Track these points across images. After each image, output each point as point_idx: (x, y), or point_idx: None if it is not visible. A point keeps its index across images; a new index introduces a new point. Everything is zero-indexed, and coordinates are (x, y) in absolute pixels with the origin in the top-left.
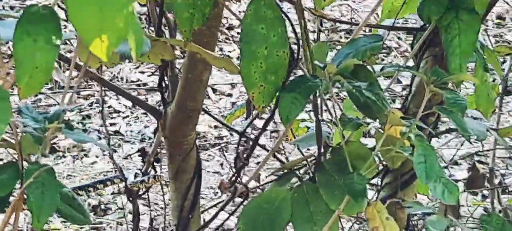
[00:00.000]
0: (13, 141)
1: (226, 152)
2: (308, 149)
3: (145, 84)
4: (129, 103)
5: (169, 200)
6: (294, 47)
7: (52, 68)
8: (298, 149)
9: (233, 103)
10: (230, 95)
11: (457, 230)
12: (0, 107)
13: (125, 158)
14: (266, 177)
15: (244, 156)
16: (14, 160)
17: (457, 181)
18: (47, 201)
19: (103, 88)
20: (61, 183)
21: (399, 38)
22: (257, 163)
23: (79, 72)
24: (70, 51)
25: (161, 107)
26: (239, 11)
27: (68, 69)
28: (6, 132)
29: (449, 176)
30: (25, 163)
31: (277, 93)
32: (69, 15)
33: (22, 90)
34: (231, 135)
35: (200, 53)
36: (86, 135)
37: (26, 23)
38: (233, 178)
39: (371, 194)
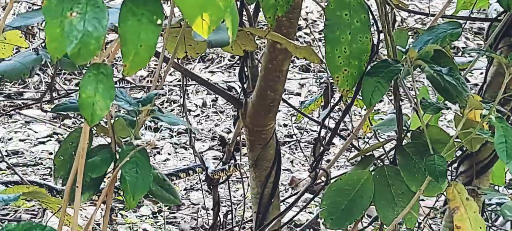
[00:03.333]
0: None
1: (296, 149)
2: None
3: (215, 84)
4: (200, 102)
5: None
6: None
7: (155, 46)
8: (375, 134)
9: (302, 102)
10: (299, 94)
11: None
12: (105, 85)
13: (196, 155)
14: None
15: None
16: (106, 143)
17: None
18: (141, 180)
19: (184, 81)
20: (152, 165)
21: (467, 38)
22: (327, 160)
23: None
24: None
25: (242, 97)
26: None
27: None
28: None
29: None
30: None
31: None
32: None
33: (127, 67)
34: (301, 133)
35: (282, 42)
36: (177, 117)
37: (130, 4)
38: (314, 164)
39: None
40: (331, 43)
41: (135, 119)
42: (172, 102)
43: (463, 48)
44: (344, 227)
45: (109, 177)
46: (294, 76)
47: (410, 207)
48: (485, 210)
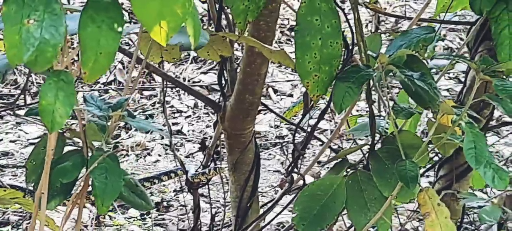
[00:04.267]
0: (78, 130)
1: (287, 151)
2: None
3: (207, 86)
4: (191, 103)
5: (229, 192)
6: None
7: (115, 53)
8: (353, 138)
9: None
10: (291, 95)
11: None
12: (66, 92)
13: (187, 157)
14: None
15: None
16: (78, 148)
17: None
18: (110, 186)
19: (165, 83)
20: (124, 170)
21: (461, 39)
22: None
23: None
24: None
25: (221, 101)
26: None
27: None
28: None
29: None
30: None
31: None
32: (132, 3)
33: (87, 74)
34: (292, 134)
35: (256, 46)
36: (147, 122)
37: (91, 11)
38: (290, 169)
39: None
40: (301, 48)
41: (106, 123)
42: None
43: (457, 48)
44: None
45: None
46: (287, 77)
47: (382, 212)
48: (468, 213)
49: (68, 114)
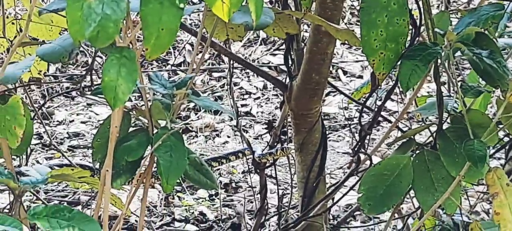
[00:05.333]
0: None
1: (356, 132)
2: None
3: (276, 67)
4: (260, 85)
5: (296, 173)
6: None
7: (177, 30)
8: (423, 120)
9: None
10: (361, 77)
11: None
12: (128, 68)
13: (256, 138)
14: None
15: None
16: (144, 127)
17: None
18: (175, 164)
19: (232, 64)
20: (189, 148)
21: None
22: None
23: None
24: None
25: (287, 81)
26: None
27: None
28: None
29: None
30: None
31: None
32: None
33: (149, 50)
34: (362, 115)
35: (322, 24)
36: (211, 100)
37: None
38: (357, 149)
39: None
40: (367, 25)
41: (171, 102)
42: (233, 85)
43: None
44: (382, 212)
45: None
46: (356, 58)
47: (450, 192)
48: None
49: (130, 90)
